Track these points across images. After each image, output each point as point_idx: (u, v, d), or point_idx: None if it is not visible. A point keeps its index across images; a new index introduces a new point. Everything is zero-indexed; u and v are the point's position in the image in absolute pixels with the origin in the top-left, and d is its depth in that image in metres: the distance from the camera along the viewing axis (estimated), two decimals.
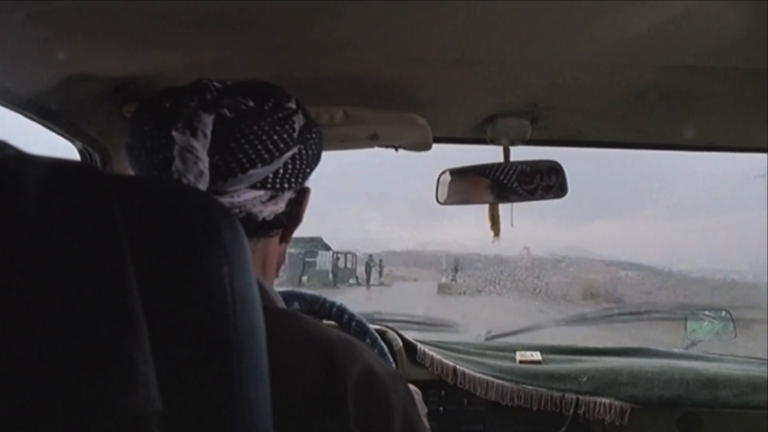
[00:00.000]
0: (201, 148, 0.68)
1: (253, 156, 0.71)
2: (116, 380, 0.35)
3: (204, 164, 0.68)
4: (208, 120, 0.70)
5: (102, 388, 0.34)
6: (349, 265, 19.87)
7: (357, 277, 19.58)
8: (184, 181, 0.67)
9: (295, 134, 0.75)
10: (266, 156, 0.72)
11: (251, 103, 0.73)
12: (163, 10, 0.82)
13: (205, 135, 0.69)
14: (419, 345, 1.55)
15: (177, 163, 0.67)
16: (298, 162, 0.76)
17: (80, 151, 1.20)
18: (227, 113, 0.71)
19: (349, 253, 19.80)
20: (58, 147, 1.14)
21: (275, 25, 0.87)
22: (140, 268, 0.38)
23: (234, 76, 0.77)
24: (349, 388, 0.63)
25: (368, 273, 19.33)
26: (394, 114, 1.19)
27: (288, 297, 1.15)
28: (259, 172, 0.72)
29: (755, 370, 1.51)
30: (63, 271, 0.35)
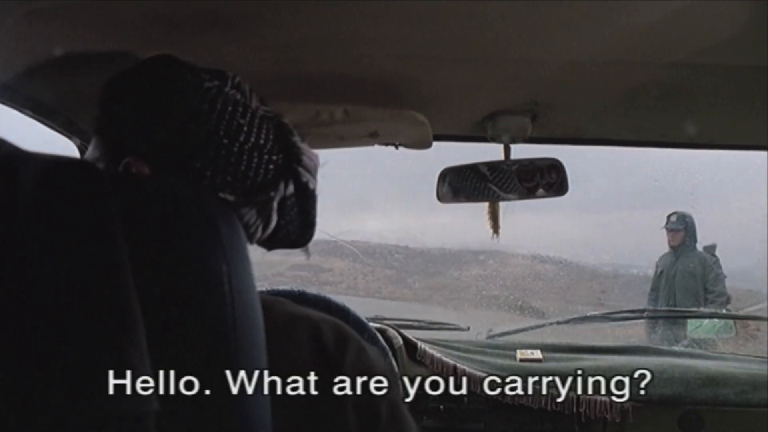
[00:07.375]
0: None
1: None
2: (112, 379, 0.35)
3: None
4: None
5: (97, 386, 0.34)
6: None
7: None
8: None
9: None
10: None
11: None
12: (162, 8, 0.82)
13: None
14: (419, 343, 1.55)
15: None
16: None
17: (79, 149, 1.19)
18: None
19: None
20: (57, 144, 1.14)
21: (275, 23, 0.87)
22: (138, 266, 0.38)
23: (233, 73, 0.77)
24: (340, 361, 0.64)
25: None
26: (394, 112, 1.19)
27: (290, 296, 1.15)
28: None
29: (756, 368, 1.51)
30: (59, 269, 0.35)
